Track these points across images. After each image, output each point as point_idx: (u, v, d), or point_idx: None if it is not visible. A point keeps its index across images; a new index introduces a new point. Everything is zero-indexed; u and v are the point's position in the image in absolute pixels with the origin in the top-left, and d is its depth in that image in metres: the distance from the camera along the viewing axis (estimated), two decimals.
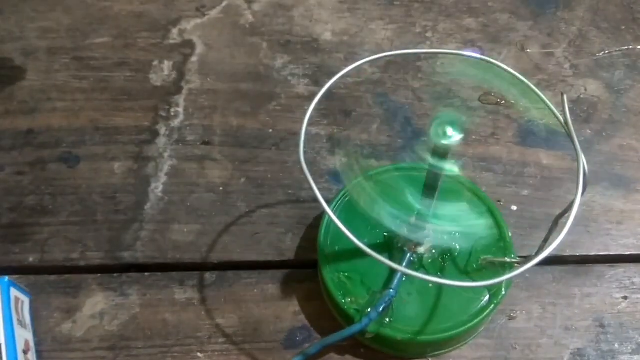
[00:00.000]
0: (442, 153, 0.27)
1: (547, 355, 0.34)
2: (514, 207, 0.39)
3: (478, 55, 0.29)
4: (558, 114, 0.28)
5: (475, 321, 0.32)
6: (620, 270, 0.37)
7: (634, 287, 0.36)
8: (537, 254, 0.30)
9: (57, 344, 0.35)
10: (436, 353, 0.34)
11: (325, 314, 0.35)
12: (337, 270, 0.34)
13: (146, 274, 0.38)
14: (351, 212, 0.36)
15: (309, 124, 0.43)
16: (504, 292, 0.33)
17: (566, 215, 0.29)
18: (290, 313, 0.36)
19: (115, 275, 0.38)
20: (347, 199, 0.36)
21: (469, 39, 0.46)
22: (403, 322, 0.32)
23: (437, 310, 0.33)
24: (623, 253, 0.37)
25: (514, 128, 0.42)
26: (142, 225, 0.40)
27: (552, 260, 0.37)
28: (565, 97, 0.28)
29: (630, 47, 0.45)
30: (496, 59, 0.45)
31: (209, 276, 0.38)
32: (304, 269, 0.38)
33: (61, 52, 0.47)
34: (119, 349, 0.35)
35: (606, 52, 0.45)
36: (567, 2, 0.47)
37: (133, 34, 0.48)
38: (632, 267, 0.36)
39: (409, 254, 0.33)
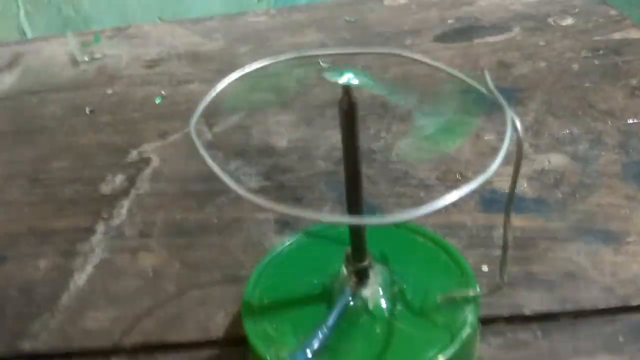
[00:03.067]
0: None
1: None
2: (485, 268, 0.33)
3: (395, 51, 0.28)
4: (476, 84, 0.25)
5: None
6: (624, 322, 0.29)
7: None
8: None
9: None
10: None
11: None
12: (263, 322, 0.27)
13: None
14: (286, 266, 0.31)
15: (257, 211, 0.40)
16: (469, 329, 0.26)
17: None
18: None
19: None
20: (282, 254, 0.31)
21: (422, 135, 0.45)
22: None
23: (385, 357, 0.25)
24: (623, 304, 0.30)
25: (476, 198, 0.38)
26: (53, 315, 0.34)
27: (538, 317, 0.30)
28: (486, 71, 0.26)
29: (591, 125, 0.43)
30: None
31: None
32: (233, 347, 0.31)
33: (19, 175, 0.47)
34: None
35: (567, 131, 0.43)
36: (518, 100, 0.47)
37: (92, 158, 0.48)
38: (636, 317, 0.29)
39: (347, 290, 0.27)
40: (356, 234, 0.27)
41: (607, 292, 0.30)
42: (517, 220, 0.36)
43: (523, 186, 0.38)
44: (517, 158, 0.24)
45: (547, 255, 0.33)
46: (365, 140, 0.46)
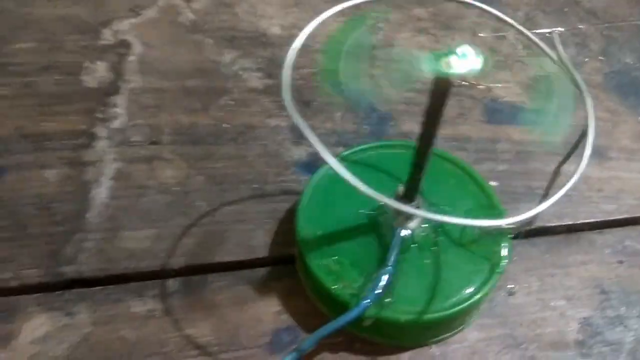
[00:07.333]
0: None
1: (555, 328, 0.31)
2: (493, 183, 0.37)
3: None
4: (551, 53, 0.27)
5: (480, 294, 0.29)
6: (610, 235, 0.35)
7: (627, 250, 0.35)
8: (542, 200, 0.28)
9: None
10: (439, 337, 0.30)
11: (312, 310, 0.31)
12: (323, 256, 0.30)
13: (96, 288, 0.32)
14: (330, 195, 0.32)
15: (267, 117, 0.40)
16: (506, 261, 0.30)
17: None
18: (271, 314, 0.32)
19: (57, 293, 0.32)
20: (324, 181, 0.33)
21: (421, 27, 0.45)
22: (404, 303, 0.29)
23: (438, 286, 0.30)
24: (608, 219, 0.36)
25: (479, 107, 0.41)
26: (85, 236, 0.34)
27: (540, 232, 0.35)
28: (556, 34, 0.27)
29: (577, 26, 0.45)
30: (450, 44, 0.45)
31: (172, 283, 0.33)
32: (280, 265, 0.33)
33: None
34: None
35: (555, 31, 0.45)
36: None
37: (59, 37, 0.44)
38: (620, 232, 0.35)
39: (399, 230, 0.30)
40: (414, 179, 0.29)
41: (594, 207, 0.36)
42: (517, 133, 0.40)
43: (521, 94, 0.41)
44: (577, 141, 0.26)
45: (545, 170, 0.38)
46: (364, 32, 0.45)
